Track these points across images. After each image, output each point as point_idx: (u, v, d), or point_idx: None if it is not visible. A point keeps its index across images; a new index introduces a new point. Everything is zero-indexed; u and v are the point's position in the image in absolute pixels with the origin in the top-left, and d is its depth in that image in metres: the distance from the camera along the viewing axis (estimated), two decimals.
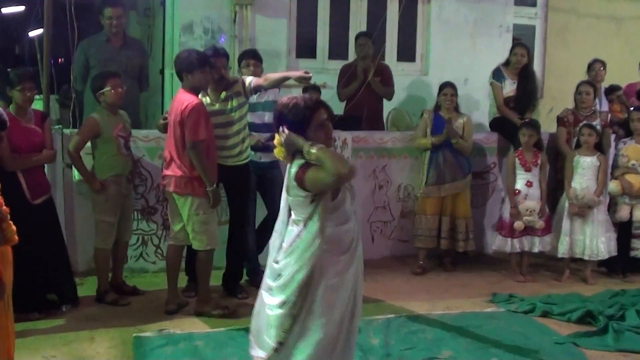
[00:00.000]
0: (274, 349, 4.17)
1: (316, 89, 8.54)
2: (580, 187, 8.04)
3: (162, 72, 9.43)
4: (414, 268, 8.26)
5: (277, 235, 4.32)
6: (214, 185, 6.44)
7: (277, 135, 4.23)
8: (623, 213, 8.21)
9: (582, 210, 8.00)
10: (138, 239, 7.74)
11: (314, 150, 4.00)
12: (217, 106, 6.87)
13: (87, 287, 7.12)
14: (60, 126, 7.64)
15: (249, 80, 6.88)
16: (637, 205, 8.21)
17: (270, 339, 4.18)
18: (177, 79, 8.56)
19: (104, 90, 6.77)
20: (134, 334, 6.03)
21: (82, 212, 7.46)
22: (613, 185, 8.19)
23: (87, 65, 8.14)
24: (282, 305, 4.13)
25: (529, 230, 8.04)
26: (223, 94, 6.88)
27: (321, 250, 4.07)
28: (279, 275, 4.19)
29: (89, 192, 6.88)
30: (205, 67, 6.50)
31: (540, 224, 7.99)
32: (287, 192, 4.20)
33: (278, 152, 4.26)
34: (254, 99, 7.21)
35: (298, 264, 4.10)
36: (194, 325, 6.33)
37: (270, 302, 4.22)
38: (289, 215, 4.27)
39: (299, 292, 4.09)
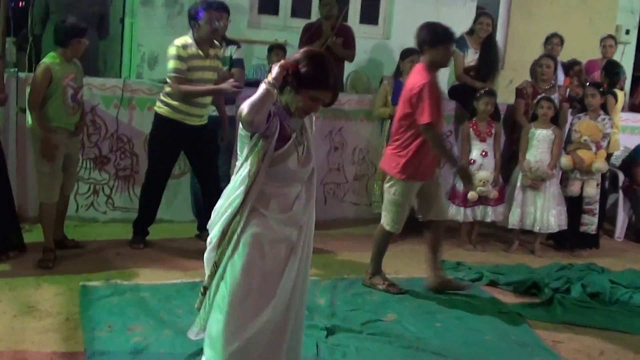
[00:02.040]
0: (200, 293, 3.99)
1: (281, 47, 8.49)
2: (534, 159, 8.09)
3: (122, 20, 9.27)
4: None
5: None
6: (458, 162, 6.20)
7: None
8: (574, 188, 8.29)
9: (535, 183, 8.07)
10: (90, 188, 7.68)
11: (262, 85, 3.72)
12: (207, 62, 6.85)
13: (36, 234, 7.02)
14: (16, 69, 7.51)
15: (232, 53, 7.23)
16: (588, 181, 8.30)
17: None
18: (138, 27, 8.49)
19: (67, 47, 6.48)
20: (81, 283, 6.00)
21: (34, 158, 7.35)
22: (565, 160, 8.26)
23: (48, 10, 8.00)
24: (210, 242, 3.98)
25: (482, 199, 8.10)
26: (214, 50, 6.83)
27: (248, 199, 3.82)
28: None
29: (33, 141, 6.60)
30: (449, 43, 6.20)
31: (493, 194, 8.05)
32: None
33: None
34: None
35: (224, 206, 3.91)
36: (141, 277, 6.33)
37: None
38: None
39: (221, 235, 3.88)
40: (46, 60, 6.51)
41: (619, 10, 12.19)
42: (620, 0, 12.19)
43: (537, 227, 8.17)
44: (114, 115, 7.55)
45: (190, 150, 7.12)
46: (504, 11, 11.59)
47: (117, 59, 9.28)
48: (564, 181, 8.44)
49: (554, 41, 9.40)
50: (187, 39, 6.77)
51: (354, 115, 8.66)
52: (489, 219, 8.22)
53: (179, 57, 6.68)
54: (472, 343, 5.57)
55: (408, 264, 7.36)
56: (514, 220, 8.19)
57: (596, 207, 8.39)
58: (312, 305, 5.85)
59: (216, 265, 3.88)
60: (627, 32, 12.18)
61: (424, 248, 7.30)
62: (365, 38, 9.95)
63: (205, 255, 3.99)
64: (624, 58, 11.73)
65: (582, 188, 8.31)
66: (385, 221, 6.39)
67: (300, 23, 9.36)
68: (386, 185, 6.39)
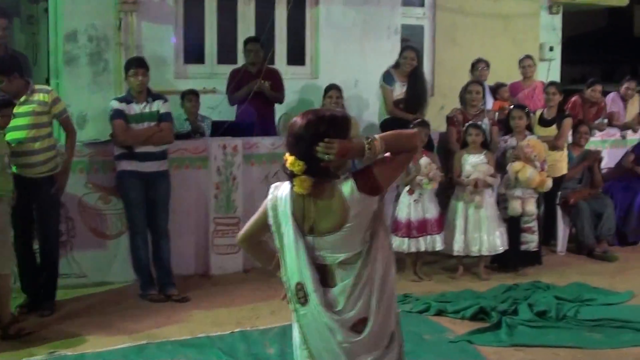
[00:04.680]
0: None
1: (194, 92, 8.50)
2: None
3: (47, 81, 9.19)
4: None
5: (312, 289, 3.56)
6: None
7: (291, 159, 3.36)
8: (517, 206, 8.29)
9: (474, 197, 8.10)
10: None
11: (378, 139, 3.37)
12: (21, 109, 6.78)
13: None
14: None
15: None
16: (528, 199, 8.35)
17: None
18: (63, 87, 8.39)
19: None
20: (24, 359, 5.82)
21: None
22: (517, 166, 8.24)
23: None
24: (390, 343, 3.53)
25: (425, 228, 8.05)
26: (27, 97, 6.75)
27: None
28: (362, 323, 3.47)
29: None
30: None
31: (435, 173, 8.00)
32: (337, 228, 3.39)
33: (302, 183, 3.35)
34: (139, 108, 7.21)
35: (387, 292, 3.49)
36: (86, 345, 6.14)
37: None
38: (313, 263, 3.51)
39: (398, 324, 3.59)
40: None
41: (541, 28, 12.45)
42: (541, 18, 12.45)
43: (486, 250, 8.18)
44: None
45: (33, 203, 6.94)
46: (429, 40, 11.69)
47: None
48: (501, 203, 8.47)
49: (479, 66, 9.54)
50: None
51: None
52: (434, 248, 8.16)
53: None
54: None
55: None
56: (458, 247, 8.19)
57: (535, 224, 8.47)
58: (262, 355, 5.84)
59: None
60: (551, 49, 12.43)
61: None
62: (293, 79, 10.00)
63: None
64: (550, 74, 11.98)
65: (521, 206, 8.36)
66: None
67: (226, 69, 9.34)
68: None
